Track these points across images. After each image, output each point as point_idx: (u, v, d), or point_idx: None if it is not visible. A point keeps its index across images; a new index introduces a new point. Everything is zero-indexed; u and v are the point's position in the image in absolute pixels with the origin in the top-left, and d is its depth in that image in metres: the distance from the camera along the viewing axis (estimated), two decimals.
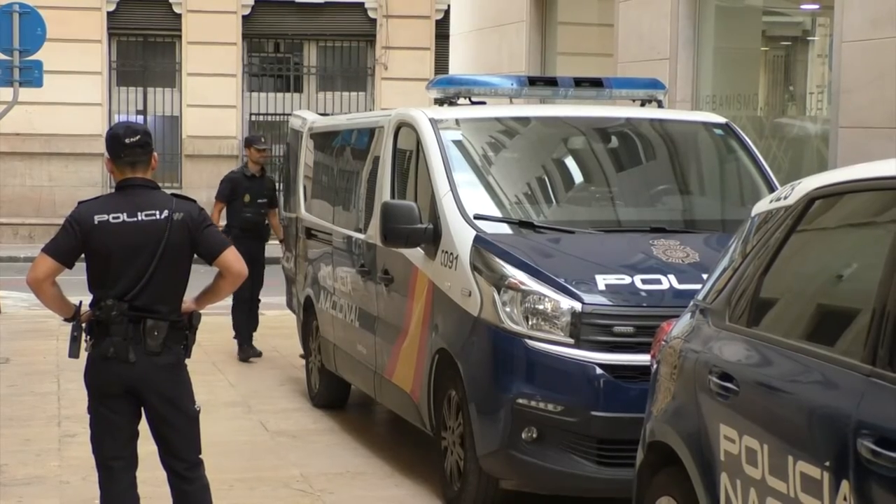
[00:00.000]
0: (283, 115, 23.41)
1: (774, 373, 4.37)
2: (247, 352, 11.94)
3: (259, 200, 11.93)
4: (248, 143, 12.44)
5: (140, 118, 22.83)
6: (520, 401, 6.58)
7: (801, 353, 4.21)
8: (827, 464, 3.79)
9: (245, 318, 12.00)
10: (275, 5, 23.65)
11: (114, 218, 5.42)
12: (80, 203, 5.57)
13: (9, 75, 15.11)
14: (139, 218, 5.43)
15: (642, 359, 6.07)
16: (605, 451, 6.51)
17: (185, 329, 5.55)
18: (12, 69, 15.00)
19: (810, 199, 4.57)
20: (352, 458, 8.32)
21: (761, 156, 8.25)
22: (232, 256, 5.51)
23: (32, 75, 15.18)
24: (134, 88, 23.41)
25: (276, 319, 13.59)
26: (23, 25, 14.96)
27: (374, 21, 23.84)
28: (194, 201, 5.67)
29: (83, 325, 5.48)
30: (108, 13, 22.99)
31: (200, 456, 5.65)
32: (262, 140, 12.74)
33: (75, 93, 21.60)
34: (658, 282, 6.76)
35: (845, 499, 3.69)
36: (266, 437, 8.94)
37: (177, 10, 23.20)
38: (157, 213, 5.45)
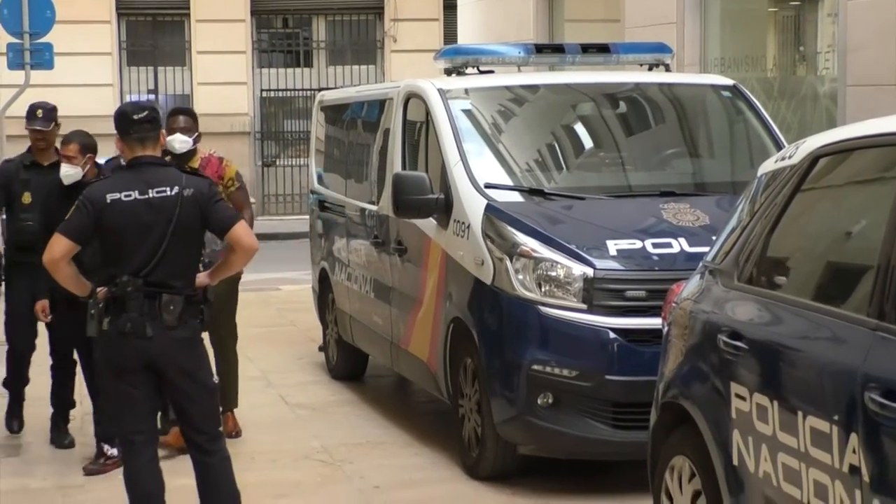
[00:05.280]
0: (294, 90, 23.45)
1: (783, 331, 4.41)
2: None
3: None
4: None
5: (151, 97, 22.87)
6: (534, 367, 6.64)
7: (808, 310, 4.26)
8: (836, 418, 3.85)
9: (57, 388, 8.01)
10: None
11: (125, 196, 5.48)
12: (91, 182, 5.64)
13: (20, 58, 15.18)
14: (150, 195, 5.49)
15: (655, 322, 6.11)
16: (621, 415, 6.57)
17: (200, 303, 5.61)
18: (23, 52, 15.07)
19: (815, 158, 4.60)
20: (371, 429, 8.39)
21: (770, 117, 8.27)
22: (242, 231, 5.57)
23: (43, 57, 15.25)
24: (144, 68, 23.44)
25: (294, 294, 13.70)
26: (32, 8, 15.03)
27: None
28: (205, 177, 5.73)
29: (100, 303, 5.54)
30: None
31: (220, 428, 5.72)
32: None
33: (86, 74, 21.65)
34: (669, 245, 6.80)
35: (854, 451, 3.74)
36: (286, 409, 9.02)
37: None
38: (168, 189, 5.51)
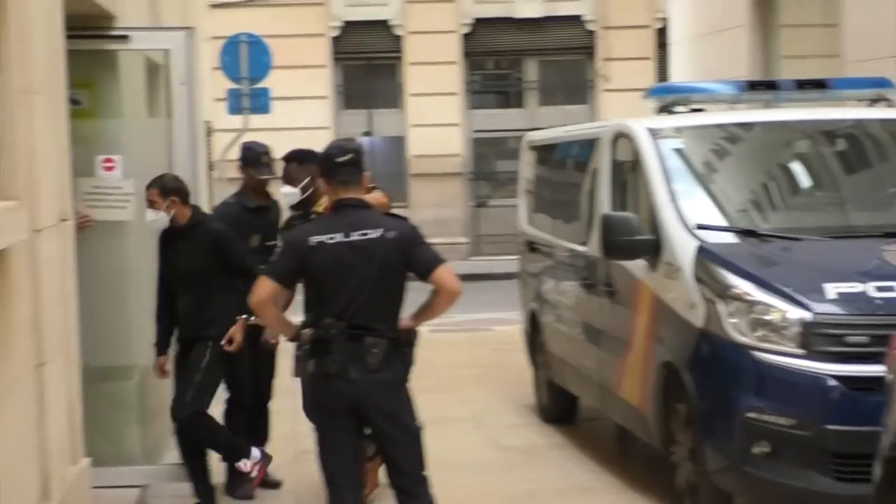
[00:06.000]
0: (506, 131, 23.53)
1: None
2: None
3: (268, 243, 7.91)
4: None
5: (366, 140, 23.26)
6: (750, 414, 6.42)
7: None
8: None
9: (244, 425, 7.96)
10: (494, 22, 23.78)
11: (329, 238, 5.51)
12: (296, 226, 5.69)
13: (238, 103, 15.63)
14: (353, 237, 5.51)
15: (878, 369, 5.83)
16: (843, 466, 6.28)
17: (403, 346, 5.59)
18: (241, 97, 15.51)
19: None
20: (581, 474, 8.26)
21: None
22: (446, 273, 5.53)
23: (260, 102, 15.68)
24: (359, 111, 23.88)
25: (506, 335, 13.63)
26: (251, 54, 15.47)
27: (592, 33, 23.74)
28: (406, 220, 5.73)
29: (305, 345, 5.58)
30: (333, 38, 23.52)
31: (425, 473, 5.67)
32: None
33: (303, 118, 22.14)
34: (892, 289, 6.49)
35: None
36: (496, 452, 8.96)
37: (397, 32, 23.57)
38: (371, 231, 5.52)
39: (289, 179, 7.52)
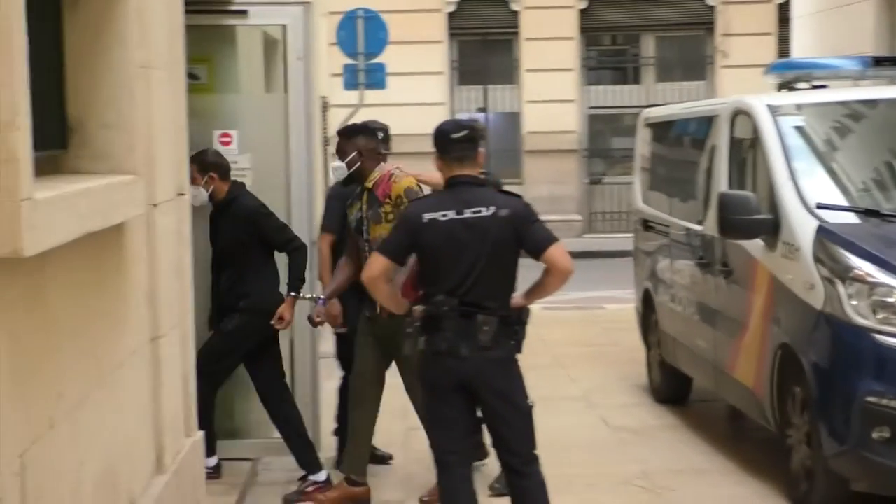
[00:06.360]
0: (622, 107, 23.33)
1: None
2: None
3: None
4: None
5: (481, 116, 23.23)
6: (869, 399, 6.28)
7: None
8: None
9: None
10: None
11: (442, 216, 5.49)
12: (411, 202, 5.68)
13: (355, 79, 15.69)
14: (466, 214, 5.48)
15: None
16: None
17: (514, 324, 5.55)
18: (357, 72, 15.56)
19: None
20: (693, 455, 8.16)
21: None
22: (558, 252, 5.48)
23: (377, 78, 15.71)
24: (474, 87, 23.84)
25: (619, 313, 13.56)
26: (367, 30, 15.50)
27: (712, 8, 23.39)
28: (520, 197, 5.69)
29: (416, 322, 5.57)
30: (449, 14, 23.50)
31: (536, 451, 5.64)
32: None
33: (418, 93, 22.19)
34: None
35: None
36: (607, 432, 8.89)
37: (514, 7, 23.46)
38: (485, 209, 5.49)
39: (339, 154, 7.38)
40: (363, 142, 7.10)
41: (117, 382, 4.79)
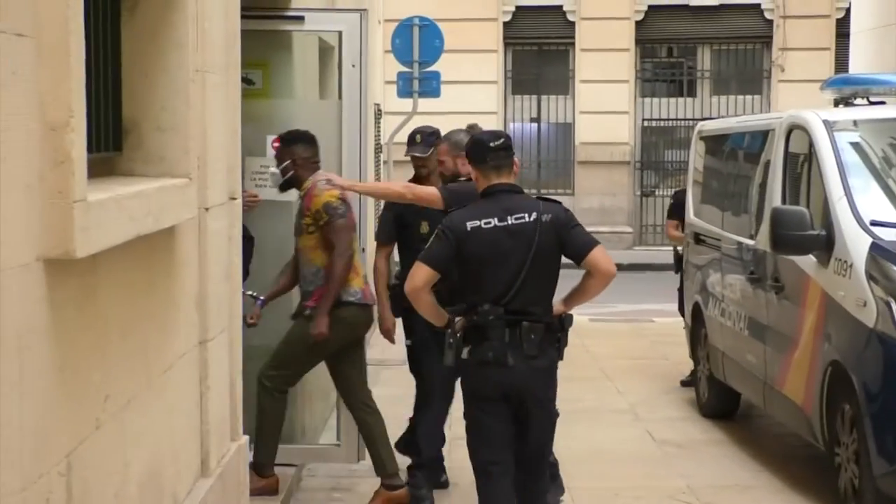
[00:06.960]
0: (676, 120, 23.23)
1: None
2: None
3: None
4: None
5: (534, 126, 23.20)
6: None
7: None
8: None
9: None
10: (668, 10, 23.50)
11: (485, 224, 5.47)
12: (450, 212, 5.66)
13: (409, 86, 15.69)
14: (509, 221, 5.46)
15: None
16: None
17: (557, 331, 5.54)
18: (412, 80, 15.56)
19: None
20: (739, 471, 8.10)
21: None
22: (600, 255, 5.46)
23: (431, 86, 15.70)
24: (527, 96, 23.82)
25: (668, 326, 13.49)
26: (422, 38, 15.50)
27: (770, 22, 23.27)
28: (560, 203, 5.67)
29: (458, 332, 5.54)
30: (504, 23, 23.51)
31: (552, 454, 5.61)
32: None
33: (472, 102, 22.18)
34: None
35: None
36: (652, 445, 8.84)
37: (570, 17, 23.44)
38: (527, 215, 5.47)
39: (278, 159, 7.17)
40: (300, 150, 7.02)
41: (165, 385, 4.81)
